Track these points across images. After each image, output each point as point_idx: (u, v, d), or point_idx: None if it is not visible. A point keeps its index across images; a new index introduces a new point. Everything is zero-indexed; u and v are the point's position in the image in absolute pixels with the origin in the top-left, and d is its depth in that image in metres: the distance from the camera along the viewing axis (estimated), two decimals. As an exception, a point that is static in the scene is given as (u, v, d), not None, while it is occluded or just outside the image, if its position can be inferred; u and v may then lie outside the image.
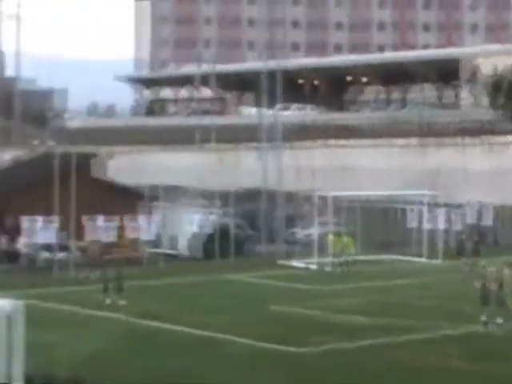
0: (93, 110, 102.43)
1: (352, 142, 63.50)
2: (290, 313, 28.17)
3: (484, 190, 50.82)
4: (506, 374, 20.57)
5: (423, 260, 42.70)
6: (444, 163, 55.64)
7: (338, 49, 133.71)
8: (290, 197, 49.97)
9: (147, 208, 42.44)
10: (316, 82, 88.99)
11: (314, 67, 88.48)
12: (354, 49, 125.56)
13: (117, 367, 20.79)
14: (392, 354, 22.32)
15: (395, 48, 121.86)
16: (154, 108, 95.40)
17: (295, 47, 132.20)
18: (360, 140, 63.54)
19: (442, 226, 44.62)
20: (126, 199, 42.46)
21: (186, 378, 19.75)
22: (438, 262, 42.03)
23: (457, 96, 79.61)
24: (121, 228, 40.94)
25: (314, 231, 42.17)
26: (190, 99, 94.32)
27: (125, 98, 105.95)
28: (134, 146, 73.44)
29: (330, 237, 41.42)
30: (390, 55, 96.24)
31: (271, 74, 51.46)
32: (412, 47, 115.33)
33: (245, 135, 66.84)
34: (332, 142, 64.37)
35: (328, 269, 39.73)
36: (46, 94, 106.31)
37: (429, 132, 62.48)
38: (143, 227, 40.56)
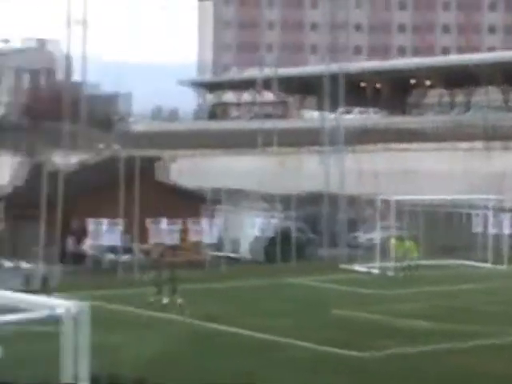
0: (157, 114, 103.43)
1: (415, 145, 63.05)
2: (353, 317, 28.07)
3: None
4: None
5: (488, 265, 42.16)
6: (510, 167, 54.88)
7: (402, 52, 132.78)
8: (352, 200, 49.82)
9: (210, 211, 42.73)
10: (378, 86, 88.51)
11: (377, 70, 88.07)
12: (418, 51, 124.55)
13: (180, 369, 20.97)
14: (456, 359, 22.09)
15: (460, 50, 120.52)
16: (216, 112, 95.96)
17: (358, 50, 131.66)
18: (423, 144, 63.05)
19: (507, 230, 44.02)
20: (189, 202, 42.81)
21: (248, 381, 19.82)
22: (504, 267, 41.46)
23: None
24: (184, 231, 41.31)
25: (377, 235, 41.97)
26: (252, 103, 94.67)
27: (188, 102, 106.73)
28: (197, 150, 74.00)
29: (393, 241, 41.18)
30: (454, 58, 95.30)
31: (333, 78, 51.34)
32: (477, 50, 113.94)
33: (307, 139, 66.82)
34: (394, 145, 63.98)
35: (390, 273, 39.48)
36: (111, 99, 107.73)
37: (494, 135, 61.70)
38: (206, 230, 40.84)
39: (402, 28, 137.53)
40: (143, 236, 39.74)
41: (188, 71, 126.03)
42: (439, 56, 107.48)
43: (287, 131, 69.34)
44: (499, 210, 45.00)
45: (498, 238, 43.75)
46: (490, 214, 44.29)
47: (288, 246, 41.97)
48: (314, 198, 54.45)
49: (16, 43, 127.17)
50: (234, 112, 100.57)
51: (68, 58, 55.10)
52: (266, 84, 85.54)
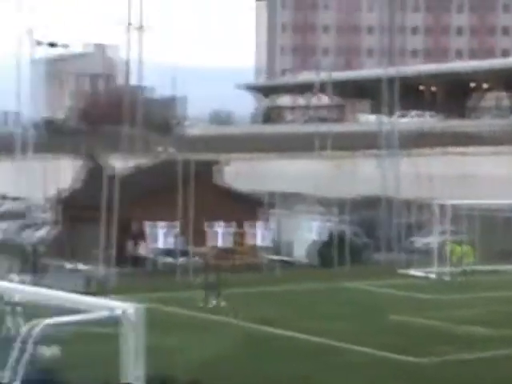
0: (214, 118, 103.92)
1: (472, 149, 62.29)
2: (410, 322, 27.78)
3: None
4: None
5: (547, 271, 41.41)
6: None
7: (459, 54, 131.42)
8: (408, 205, 49.30)
9: (265, 215, 42.74)
10: (435, 89, 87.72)
11: (434, 73, 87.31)
12: (475, 54, 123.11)
13: (235, 372, 20.97)
14: (515, 366, 21.74)
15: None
16: (271, 115, 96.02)
17: (414, 53, 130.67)
18: (480, 147, 62.25)
19: None
20: (245, 206, 42.87)
21: (304, 385, 19.76)
22: None
23: None
24: (241, 234, 41.40)
25: (433, 240, 41.52)
26: (307, 107, 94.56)
27: (244, 105, 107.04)
28: (252, 154, 74.09)
29: (449, 246, 40.72)
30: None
31: (390, 81, 50.97)
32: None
33: (362, 142, 66.45)
34: (451, 149, 63.28)
35: (447, 278, 39.03)
36: (168, 102, 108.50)
37: (553, 139, 60.65)
38: (261, 234, 40.86)
39: (459, 31, 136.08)
40: (199, 239, 39.91)
41: (245, 75, 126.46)
42: (498, 58, 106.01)
43: (342, 135, 69.04)
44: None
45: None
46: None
47: (343, 249, 41.73)
48: (369, 202, 54.08)
49: (76, 48, 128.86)
50: (288, 116, 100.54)
51: (127, 63, 55.66)
52: (321, 88, 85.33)
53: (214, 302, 28.52)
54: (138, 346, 9.03)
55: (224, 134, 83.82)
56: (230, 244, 40.63)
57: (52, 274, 36.39)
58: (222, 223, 39.44)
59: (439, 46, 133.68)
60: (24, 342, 8.71)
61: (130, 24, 54.37)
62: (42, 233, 51.82)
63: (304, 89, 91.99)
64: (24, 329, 10.73)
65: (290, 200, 47.99)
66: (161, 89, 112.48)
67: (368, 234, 47.58)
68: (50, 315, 8.88)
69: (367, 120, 79.70)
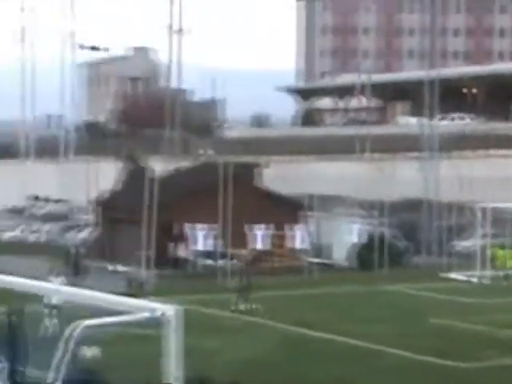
0: (254, 120, 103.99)
1: (515, 152, 61.56)
2: (451, 326, 27.48)
3: None
4: None
5: None
6: None
7: (501, 56, 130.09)
8: (450, 208, 48.82)
9: (304, 217, 42.63)
10: (476, 91, 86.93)
11: (476, 75, 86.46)
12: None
13: (274, 374, 20.92)
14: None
15: None
16: (311, 118, 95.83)
17: (456, 55, 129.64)
18: (524, 150, 61.51)
19: None
20: (285, 209, 42.78)
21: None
22: None
23: None
24: (280, 237, 41.33)
25: (475, 243, 41.08)
26: (346, 109, 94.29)
27: (284, 108, 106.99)
28: (292, 156, 73.97)
29: (491, 249, 40.25)
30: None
31: (431, 83, 50.56)
32: None
33: (403, 145, 66.02)
34: (493, 151, 62.61)
35: (489, 282, 38.57)
36: (208, 105, 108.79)
37: None
38: (300, 236, 40.75)
39: (502, 32, 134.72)
40: (239, 241, 39.89)
41: (286, 77, 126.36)
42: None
43: (382, 137, 68.70)
44: None
45: None
46: None
47: (383, 252, 41.43)
48: (409, 205, 53.69)
49: (117, 51, 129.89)
50: (328, 118, 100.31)
51: (169, 66, 55.97)
52: (361, 90, 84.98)
53: (244, 305, 28.34)
54: (177, 348, 9.02)
55: (263, 137, 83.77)
56: (269, 247, 40.57)
57: (93, 275, 36.63)
58: (261, 226, 39.40)
59: (481, 48, 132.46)
60: (66, 343, 8.73)
61: (171, 27, 54.71)
62: (83, 235, 52.22)
63: (344, 91, 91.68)
64: (66, 330, 10.78)
65: (329, 202, 47.75)
66: (201, 91, 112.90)
67: (408, 237, 47.21)
68: (91, 316, 8.89)
69: (407, 122, 79.17)
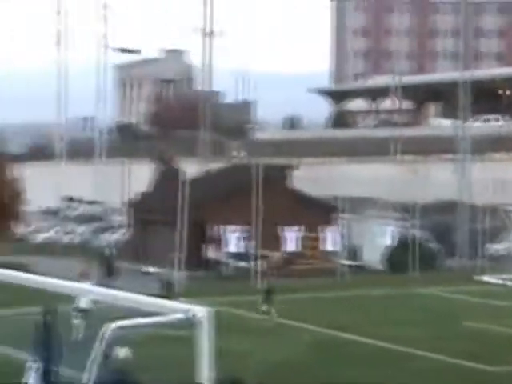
0: (286, 122, 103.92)
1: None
2: (486, 330, 27.18)
3: None
4: None
5: None
6: None
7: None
8: (483, 210, 48.41)
9: (337, 220, 42.52)
10: (510, 93, 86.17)
11: (509, 77, 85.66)
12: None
13: (305, 377, 20.85)
14: None
15: None
16: (343, 120, 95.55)
17: (488, 56, 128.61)
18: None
19: None
20: (318, 211, 42.71)
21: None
22: None
23: None
24: (312, 239, 41.27)
25: (509, 246, 40.72)
26: (379, 111, 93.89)
27: (317, 110, 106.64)
28: (324, 158, 73.79)
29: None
30: None
31: (464, 85, 50.20)
32: None
33: (435, 147, 65.63)
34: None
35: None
36: (240, 107, 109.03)
37: None
38: (332, 239, 40.66)
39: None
40: (272, 243, 39.87)
41: (319, 79, 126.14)
42: None
43: (415, 139, 68.32)
44: None
45: None
46: None
47: (415, 255, 41.19)
48: (442, 207, 53.37)
49: (149, 54, 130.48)
50: (360, 120, 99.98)
51: (203, 68, 56.19)
52: (395, 92, 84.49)
53: (265, 307, 28.22)
54: (208, 349, 9.03)
55: (295, 139, 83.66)
56: (301, 249, 40.53)
57: (125, 276, 36.82)
58: (293, 228, 39.35)
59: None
60: (98, 344, 8.78)
61: (204, 30, 54.95)
62: (116, 236, 52.53)
63: (376, 93, 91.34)
64: (99, 331, 10.81)
65: (362, 205, 47.58)
66: (234, 93, 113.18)
67: (441, 240, 46.94)
68: (123, 318, 8.94)
69: (440, 124, 78.69)
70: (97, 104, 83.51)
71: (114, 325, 8.82)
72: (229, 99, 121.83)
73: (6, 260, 35.07)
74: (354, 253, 44.53)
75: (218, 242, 40.08)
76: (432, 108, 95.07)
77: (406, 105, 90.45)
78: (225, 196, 42.93)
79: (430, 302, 33.57)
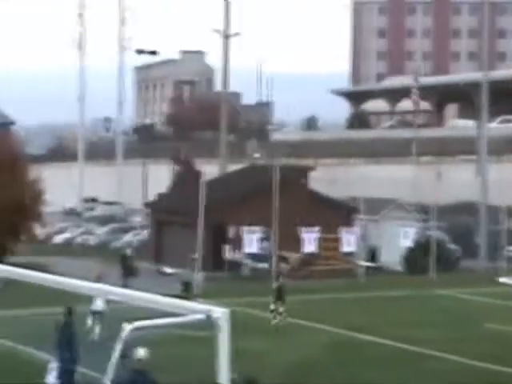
0: (306, 124, 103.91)
1: None
2: (507, 332, 26.94)
3: None
4: None
5: None
6: None
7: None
8: (504, 212, 48.12)
9: (355, 221, 42.48)
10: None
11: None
12: None
13: (321, 377, 20.85)
14: None
15: None
16: (362, 120, 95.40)
17: (510, 57, 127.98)
18: None
19: None
20: (337, 212, 42.68)
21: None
22: None
23: None
24: (330, 240, 41.24)
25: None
26: (399, 112, 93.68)
27: (337, 111, 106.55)
28: (343, 159, 73.73)
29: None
30: None
31: (485, 85, 49.94)
32: None
33: (453, 147, 65.47)
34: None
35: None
36: (259, 108, 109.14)
37: None
38: (351, 240, 40.61)
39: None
40: (292, 244, 39.88)
41: (340, 80, 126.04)
42: None
43: (433, 140, 68.12)
44: None
45: None
46: None
47: (434, 256, 41.06)
48: (461, 208, 53.20)
49: (170, 55, 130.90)
50: (380, 121, 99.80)
51: (224, 70, 56.32)
52: (415, 93, 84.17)
53: (274, 306, 28.18)
54: (226, 349, 9.07)
55: (315, 140, 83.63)
56: (320, 250, 40.52)
57: (144, 277, 36.96)
58: (312, 229, 39.32)
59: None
60: (116, 344, 8.84)
61: (224, 31, 55.05)
62: (135, 237, 52.74)
63: (396, 94, 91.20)
64: (116, 331, 10.86)
65: (380, 206, 47.49)
66: (253, 95, 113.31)
67: (460, 241, 46.79)
68: (141, 318, 9.01)
69: (458, 125, 78.43)
70: (116, 105, 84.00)
71: (132, 325, 8.89)
72: (248, 100, 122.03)
73: (26, 260, 35.33)
74: (372, 254, 44.48)
75: (237, 243, 40.12)
76: (451, 109, 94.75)
77: (426, 106, 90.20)
78: (243, 197, 43.00)
79: (449, 303, 33.42)
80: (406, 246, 42.39)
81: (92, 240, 55.48)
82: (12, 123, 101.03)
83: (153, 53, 68.36)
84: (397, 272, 42.83)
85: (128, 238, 52.44)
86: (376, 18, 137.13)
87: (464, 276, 41.64)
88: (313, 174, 48.02)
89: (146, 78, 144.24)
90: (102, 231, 56.52)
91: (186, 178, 50.97)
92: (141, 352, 12.37)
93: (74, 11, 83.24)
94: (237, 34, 56.29)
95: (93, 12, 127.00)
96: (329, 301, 33.34)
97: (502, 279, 39.98)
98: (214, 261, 39.64)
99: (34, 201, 41.82)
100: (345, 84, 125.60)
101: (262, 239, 39.28)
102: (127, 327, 8.86)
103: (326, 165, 69.33)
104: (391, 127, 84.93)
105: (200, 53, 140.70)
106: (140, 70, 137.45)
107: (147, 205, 54.19)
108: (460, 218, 51.72)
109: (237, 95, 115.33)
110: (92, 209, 78.43)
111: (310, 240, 39.42)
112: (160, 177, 63.42)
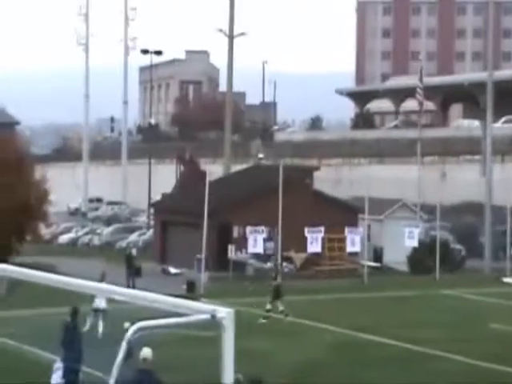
0: (310, 123, 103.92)
1: None
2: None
3: None
4: None
5: None
6: None
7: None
8: (509, 212, 48.05)
9: (360, 221, 42.48)
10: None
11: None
12: None
13: (326, 377, 20.87)
14: None
15: None
16: (367, 121, 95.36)
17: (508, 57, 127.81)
18: None
19: None
20: (341, 212, 42.66)
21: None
22: None
23: None
24: (335, 240, 41.25)
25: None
26: (403, 112, 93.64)
27: (341, 110, 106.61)
28: (346, 159, 73.71)
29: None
30: None
31: (488, 85, 49.87)
32: None
33: (457, 148, 65.41)
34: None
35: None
36: (264, 108, 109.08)
37: None
38: (356, 240, 40.60)
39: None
40: (296, 244, 39.88)
41: (345, 80, 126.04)
42: None
43: (437, 140, 68.05)
44: None
45: None
46: None
47: (439, 256, 41.03)
48: (466, 208, 53.15)
49: (174, 55, 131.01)
50: (384, 121, 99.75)
51: (228, 69, 56.27)
52: (419, 93, 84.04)
53: (269, 306, 28.18)
54: (227, 350, 9.09)
55: (319, 140, 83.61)
56: (324, 250, 40.53)
57: (149, 276, 37.00)
58: (317, 229, 39.31)
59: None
60: (121, 344, 8.88)
61: (229, 31, 55.09)
62: (140, 237, 52.79)
63: (400, 94, 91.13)
64: (121, 331, 10.88)
65: (385, 206, 47.48)
66: (257, 95, 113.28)
67: (465, 241, 46.75)
68: (146, 318, 9.04)
69: (462, 125, 78.34)
70: (121, 105, 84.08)
71: (137, 325, 8.92)
72: (252, 100, 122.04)
73: (31, 260, 35.41)
74: (377, 254, 44.48)
75: (241, 243, 40.13)
76: (456, 109, 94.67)
77: (430, 106, 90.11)
78: (248, 197, 43.01)
79: (454, 303, 33.38)
80: (410, 246, 42.34)
81: (97, 240, 55.53)
82: (17, 123, 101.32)
83: (158, 53, 68.43)
84: (401, 272, 42.82)
85: (133, 238, 52.51)
86: (381, 17, 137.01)
87: (469, 276, 41.61)
88: (317, 174, 47.98)
89: (151, 78, 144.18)
90: (106, 231, 56.58)
91: (191, 178, 50.98)
92: (146, 352, 12.41)
93: (79, 11, 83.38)
94: (242, 34, 56.36)
95: (98, 12, 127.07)
96: (333, 301, 33.34)
97: (507, 279, 39.99)
98: (219, 261, 39.66)
99: (39, 201, 41.91)
100: (349, 84, 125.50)
101: (267, 239, 39.28)
102: (132, 327, 8.90)
103: (330, 165, 69.35)
104: (395, 127, 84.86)
105: (205, 53, 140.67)
106: (145, 69, 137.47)
107: (152, 205, 54.28)
108: (464, 218, 51.70)
109: (241, 95, 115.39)
110: (97, 209, 78.57)
111: (315, 240, 39.39)
112: (165, 177, 63.46)
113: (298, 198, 41.00)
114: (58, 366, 17.57)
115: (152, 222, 52.68)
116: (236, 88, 64.81)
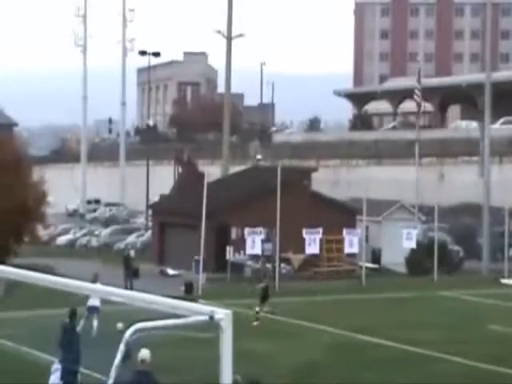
0: (309, 125, 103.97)
1: None
2: (510, 333, 26.80)
3: None
4: None
5: None
6: None
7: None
8: (511, 213, 48.01)
9: (358, 222, 42.49)
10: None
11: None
12: None
13: (324, 378, 20.86)
14: None
15: None
16: (365, 122, 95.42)
17: (505, 58, 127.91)
18: None
19: None
20: (339, 213, 42.66)
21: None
22: None
23: None
24: (332, 242, 41.23)
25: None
26: (401, 113, 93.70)
27: (339, 112, 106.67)
28: (344, 160, 73.72)
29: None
30: None
31: (485, 87, 49.91)
32: None
33: (455, 149, 65.43)
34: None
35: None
36: (261, 109, 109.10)
37: None
38: (354, 241, 40.59)
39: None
40: (294, 246, 39.85)
41: (343, 81, 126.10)
42: None
43: (435, 141, 68.07)
44: None
45: None
46: None
47: (437, 257, 41.06)
48: (464, 210, 53.15)
49: (172, 56, 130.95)
50: (383, 122, 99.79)
51: (227, 70, 56.24)
52: (418, 94, 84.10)
53: (259, 308, 28.12)
54: (226, 351, 9.06)
55: (317, 141, 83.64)
56: (322, 251, 40.51)
57: (147, 278, 36.99)
58: (315, 230, 39.29)
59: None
60: (120, 346, 8.86)
61: (227, 32, 55.10)
62: (136, 238, 52.79)
63: (398, 95, 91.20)
64: (120, 333, 10.88)
65: (381, 207, 47.49)
66: (255, 96, 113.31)
67: (463, 242, 46.75)
68: (143, 319, 9.02)
69: (460, 126, 78.38)
70: (119, 107, 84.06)
71: (135, 326, 8.91)
72: (250, 101, 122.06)
73: (29, 262, 35.38)
74: (375, 255, 44.49)
75: (240, 244, 40.11)
76: (454, 110, 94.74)
77: (428, 107, 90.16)
78: (246, 198, 43.00)
79: (452, 305, 33.39)
80: (408, 247, 42.34)
81: (95, 241, 55.50)
82: (15, 124, 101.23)
83: (156, 54, 68.41)
84: (399, 273, 42.82)
85: (131, 239, 52.49)
86: (379, 19, 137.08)
87: (467, 277, 41.62)
88: (315, 175, 47.97)
89: (149, 79, 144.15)
90: (104, 232, 56.55)
91: (189, 180, 50.96)
92: (144, 353, 12.41)
93: (77, 12, 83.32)
94: (240, 36, 56.36)
95: (96, 13, 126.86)
96: (331, 302, 33.34)
97: (505, 280, 40.01)
98: (217, 262, 39.64)
99: (37, 202, 41.89)
100: (347, 85, 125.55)
101: (265, 240, 39.25)
102: (131, 328, 8.88)
103: (328, 166, 69.35)
104: (394, 128, 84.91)
105: (203, 54, 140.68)
106: (143, 71, 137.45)
107: (150, 206, 54.28)
108: (463, 220, 51.71)
109: (239, 96, 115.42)
110: (95, 210, 78.54)
111: (313, 241, 39.37)
112: (163, 178, 63.43)
113: (296, 200, 41.01)
114: (57, 367, 17.55)
115: (150, 224, 52.65)
116: (234, 89, 64.79)
